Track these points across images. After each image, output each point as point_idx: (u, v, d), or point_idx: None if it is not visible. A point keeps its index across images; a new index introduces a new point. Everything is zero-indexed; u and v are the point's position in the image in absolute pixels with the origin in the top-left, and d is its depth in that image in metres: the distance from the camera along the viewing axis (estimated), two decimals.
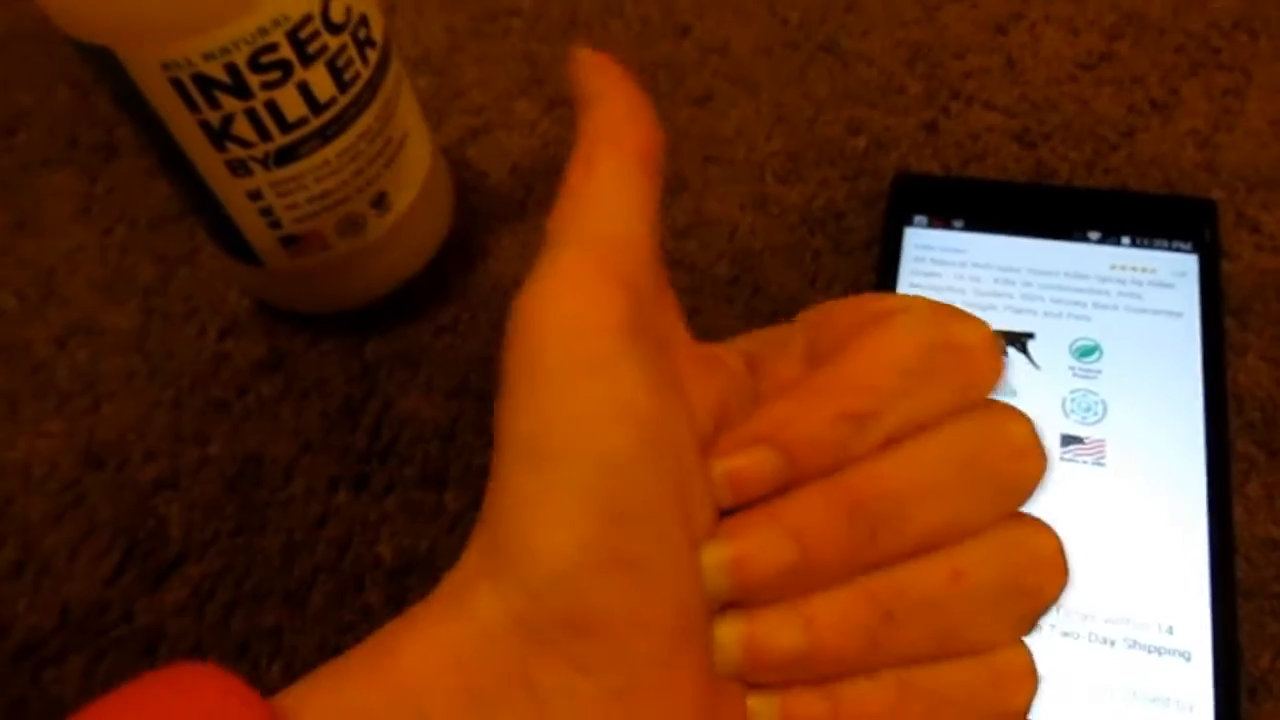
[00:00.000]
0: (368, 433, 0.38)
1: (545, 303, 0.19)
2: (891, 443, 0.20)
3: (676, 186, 0.43)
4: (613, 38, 0.48)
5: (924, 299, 0.21)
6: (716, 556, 0.19)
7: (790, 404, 0.20)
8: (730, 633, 0.19)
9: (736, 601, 0.20)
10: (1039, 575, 0.20)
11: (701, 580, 0.19)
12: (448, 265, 0.41)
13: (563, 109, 0.46)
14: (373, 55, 0.34)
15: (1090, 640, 0.30)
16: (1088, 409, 0.34)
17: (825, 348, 0.21)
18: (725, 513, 0.20)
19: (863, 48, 0.46)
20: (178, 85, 0.31)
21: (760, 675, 0.20)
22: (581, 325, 0.19)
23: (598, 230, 0.20)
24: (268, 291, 0.40)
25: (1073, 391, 0.34)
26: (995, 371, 0.20)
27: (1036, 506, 0.20)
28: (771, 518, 0.19)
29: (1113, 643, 0.30)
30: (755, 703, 0.20)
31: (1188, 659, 0.30)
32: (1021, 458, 0.20)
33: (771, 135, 0.44)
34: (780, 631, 0.19)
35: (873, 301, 0.22)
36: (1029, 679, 0.20)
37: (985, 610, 0.19)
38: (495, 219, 0.43)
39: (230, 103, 0.31)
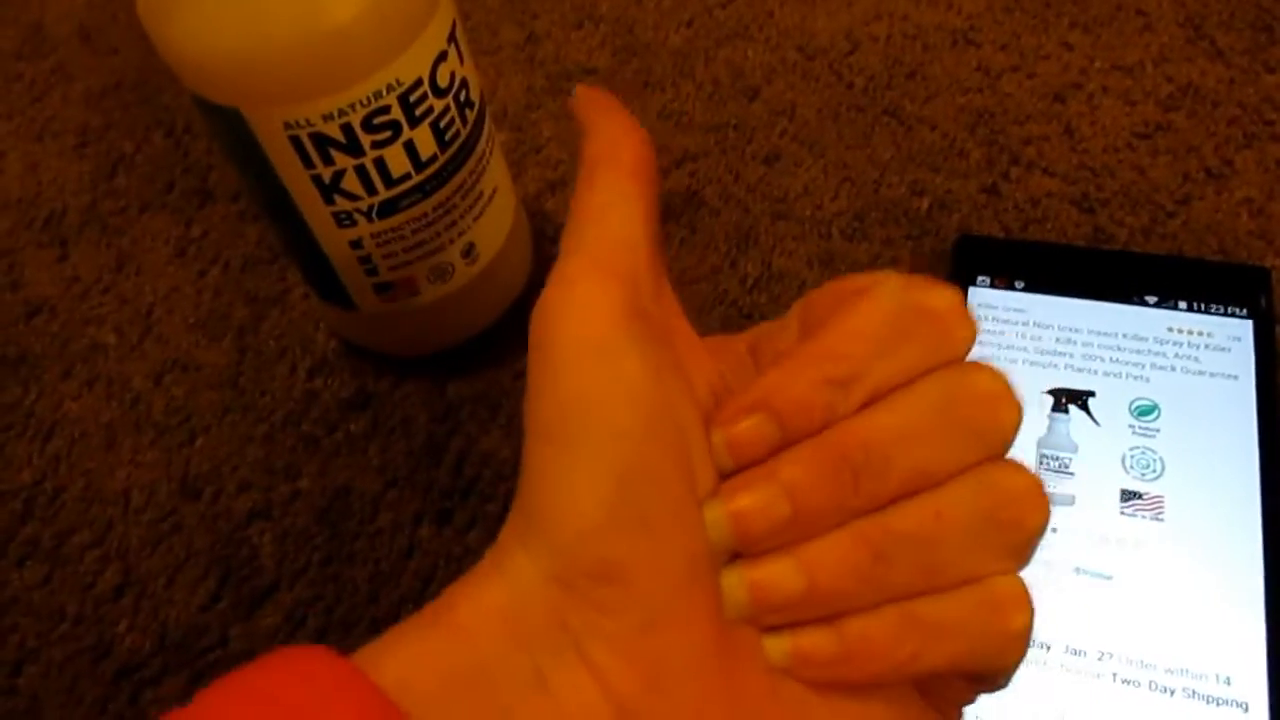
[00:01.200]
0: (450, 470, 0.40)
1: (554, 303, 0.21)
2: (873, 401, 0.22)
3: (746, 242, 0.45)
4: (684, 99, 0.50)
5: (896, 274, 0.23)
6: (716, 512, 0.21)
7: (778, 374, 0.22)
8: (735, 579, 0.22)
9: (741, 552, 0.22)
10: (1017, 509, 0.21)
11: (706, 534, 0.21)
12: (526, 312, 0.43)
13: None
14: (470, 115, 0.37)
15: (1150, 689, 0.31)
16: (1147, 466, 0.35)
17: (813, 325, 0.23)
18: (727, 476, 0.22)
19: (925, 113, 0.48)
20: (296, 143, 0.33)
21: (767, 617, 0.22)
22: (585, 316, 0.21)
23: (597, 237, 0.22)
24: (357, 333, 0.43)
25: (1132, 449, 0.36)
26: (964, 331, 0.22)
27: (1017, 453, 0.22)
28: (765, 475, 0.21)
29: (1172, 692, 0.31)
30: (769, 642, 0.22)
31: (1245, 709, 0.31)
32: (992, 403, 0.21)
33: (837, 195, 0.45)
34: (780, 576, 0.21)
35: (851, 281, 0.24)
36: (1022, 604, 0.21)
37: (969, 544, 0.21)
38: None
39: (343, 159, 0.34)
